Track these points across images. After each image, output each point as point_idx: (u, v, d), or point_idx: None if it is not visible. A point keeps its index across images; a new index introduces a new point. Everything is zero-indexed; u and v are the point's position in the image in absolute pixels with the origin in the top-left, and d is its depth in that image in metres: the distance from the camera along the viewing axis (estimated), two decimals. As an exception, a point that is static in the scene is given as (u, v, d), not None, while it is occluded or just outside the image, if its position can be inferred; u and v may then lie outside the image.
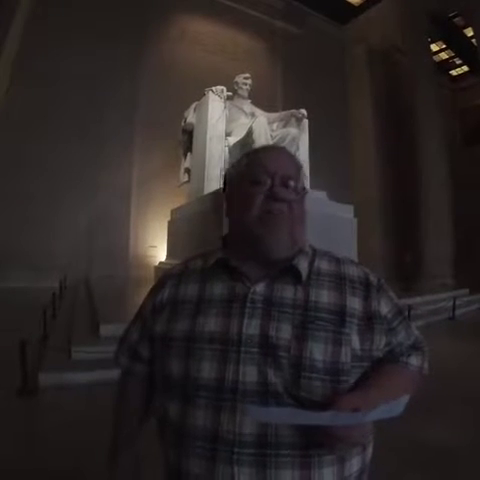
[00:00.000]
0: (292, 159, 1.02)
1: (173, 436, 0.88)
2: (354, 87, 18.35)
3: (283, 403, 0.79)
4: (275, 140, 8.83)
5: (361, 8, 20.05)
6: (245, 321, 0.85)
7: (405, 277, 14.95)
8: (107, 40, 14.19)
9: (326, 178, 11.86)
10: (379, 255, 16.54)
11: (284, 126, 9.57)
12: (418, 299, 10.44)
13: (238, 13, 17.32)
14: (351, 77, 18.36)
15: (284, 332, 0.84)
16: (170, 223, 10.96)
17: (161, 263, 11.39)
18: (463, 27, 21.04)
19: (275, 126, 9.51)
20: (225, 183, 1.06)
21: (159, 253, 13.06)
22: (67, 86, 13.48)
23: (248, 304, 0.88)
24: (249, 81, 10.02)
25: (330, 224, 9.36)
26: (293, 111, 9.82)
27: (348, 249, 9.88)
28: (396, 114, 18.52)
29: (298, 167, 1.01)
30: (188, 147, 10.09)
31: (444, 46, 22.67)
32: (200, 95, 9.82)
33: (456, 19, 20.88)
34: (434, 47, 21.97)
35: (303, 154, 9.69)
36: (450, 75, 24.35)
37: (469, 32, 20.33)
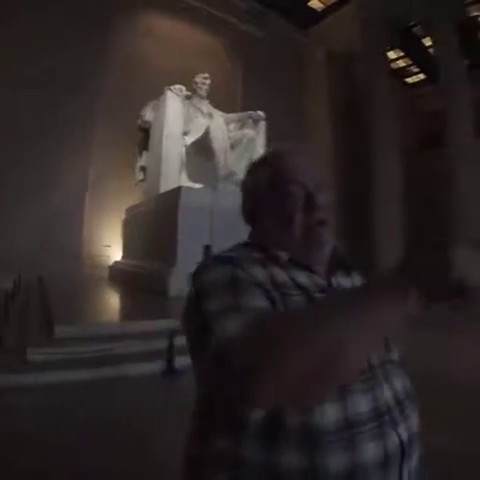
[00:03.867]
0: (314, 159, 0.98)
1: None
2: (313, 91, 18.60)
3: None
4: (232, 141, 8.91)
5: (323, 14, 20.42)
6: None
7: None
8: (70, 33, 13.89)
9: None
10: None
11: (241, 127, 9.65)
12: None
13: (202, 13, 17.32)
14: (310, 81, 18.62)
15: None
16: (125, 222, 10.88)
17: (116, 262, 11.26)
18: (422, 37, 21.75)
19: (232, 127, 9.58)
20: (245, 194, 0.98)
21: (113, 253, 12.93)
22: (25, 80, 13.11)
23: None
24: (208, 81, 10.08)
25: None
26: (250, 113, 9.94)
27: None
28: (353, 119, 18.91)
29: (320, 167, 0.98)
30: (144, 145, 10.05)
31: (402, 54, 23.38)
32: (160, 92, 9.78)
33: (415, 29, 21.56)
34: (392, 55, 22.65)
35: (259, 155, 9.82)
36: (406, 82, 25.15)
37: (427, 42, 21.05)
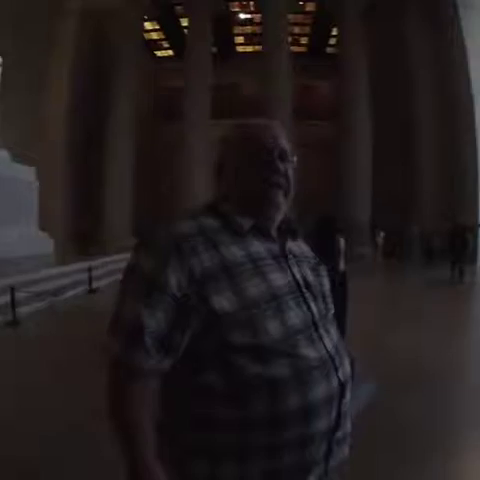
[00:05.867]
0: (284, 133, 1.07)
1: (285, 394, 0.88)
2: (58, 43, 16.74)
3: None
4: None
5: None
6: (295, 271, 0.99)
7: (85, 239, 15.80)
8: None
9: (9, 134, 11.14)
10: (60, 218, 16.49)
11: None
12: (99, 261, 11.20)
13: None
14: (57, 32, 16.99)
15: (310, 276, 1.05)
16: None
17: None
18: (181, 16, 22.89)
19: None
20: (218, 155, 1.07)
21: None
22: None
23: (290, 258, 1.01)
24: None
25: (11, 187, 9.07)
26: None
27: (29, 213, 9.68)
28: (94, 77, 18.71)
29: (288, 140, 1.07)
30: None
31: (158, 27, 24.01)
32: None
33: (177, 7, 22.50)
34: (148, 25, 23.12)
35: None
36: (155, 55, 26.07)
37: (185, 22, 22.29)
